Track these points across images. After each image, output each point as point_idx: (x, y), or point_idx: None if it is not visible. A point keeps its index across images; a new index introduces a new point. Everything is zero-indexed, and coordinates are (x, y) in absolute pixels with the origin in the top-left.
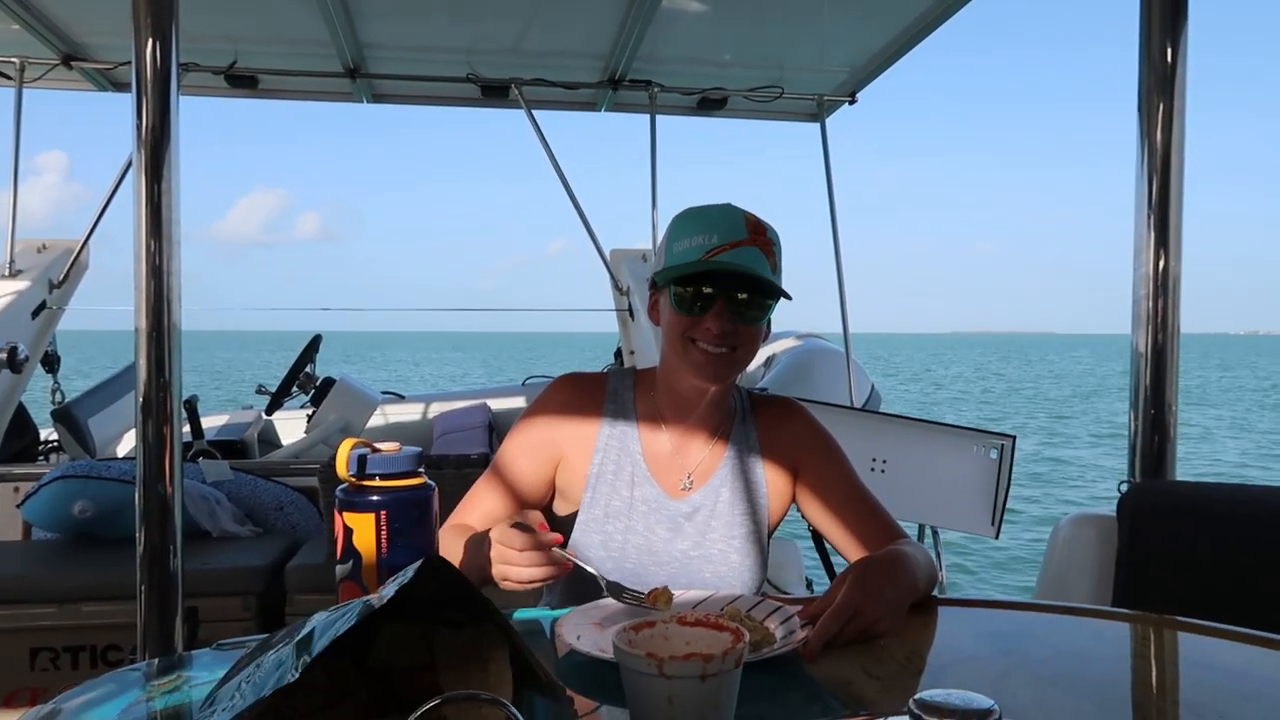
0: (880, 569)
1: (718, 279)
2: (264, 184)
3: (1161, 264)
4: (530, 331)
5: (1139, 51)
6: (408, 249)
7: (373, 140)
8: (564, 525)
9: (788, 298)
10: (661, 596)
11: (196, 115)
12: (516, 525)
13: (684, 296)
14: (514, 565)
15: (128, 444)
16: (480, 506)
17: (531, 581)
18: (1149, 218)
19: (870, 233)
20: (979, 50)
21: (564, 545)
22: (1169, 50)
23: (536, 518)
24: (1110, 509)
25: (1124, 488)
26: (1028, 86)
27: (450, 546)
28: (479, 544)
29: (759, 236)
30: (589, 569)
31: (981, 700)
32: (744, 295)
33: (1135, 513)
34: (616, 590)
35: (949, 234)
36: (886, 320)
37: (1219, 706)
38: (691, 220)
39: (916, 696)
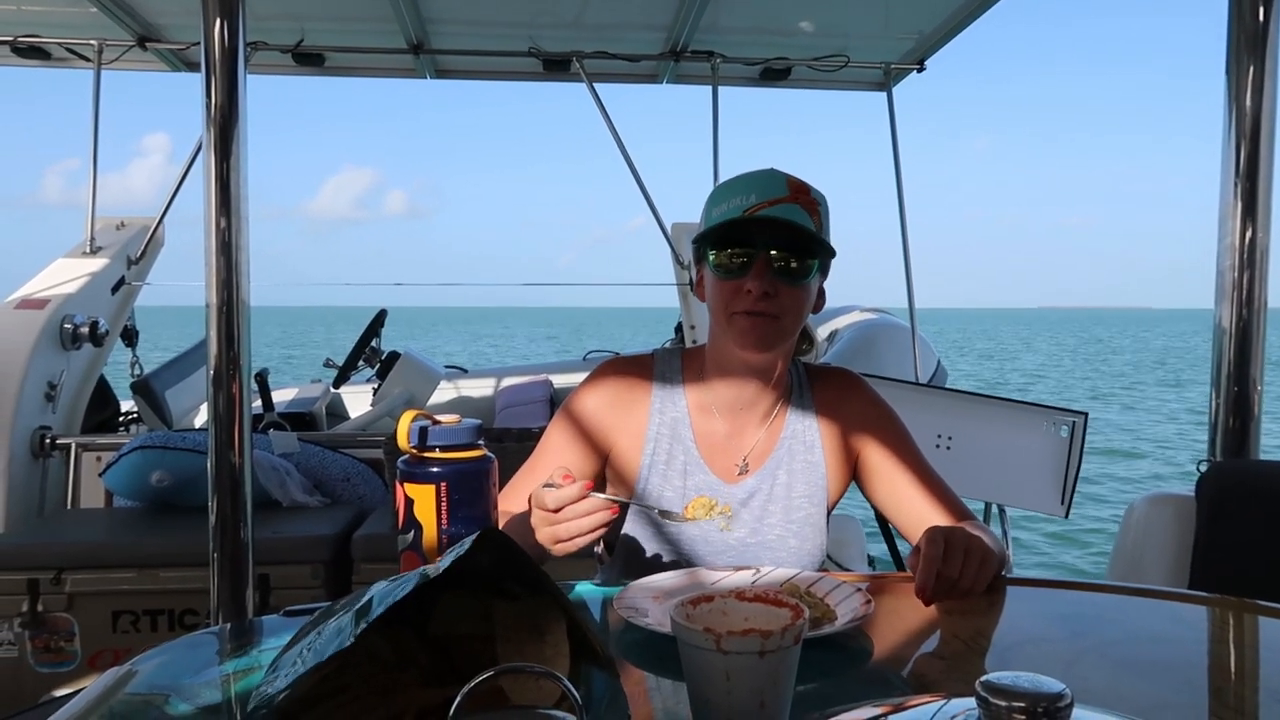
0: (958, 529)
1: (755, 235)
2: (353, 163)
3: (1249, 234)
4: (605, 306)
5: (1228, 10)
6: (491, 225)
7: (458, 117)
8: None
9: (831, 253)
10: (701, 506)
11: (282, 94)
12: (547, 486)
13: (722, 258)
14: (560, 523)
15: (203, 416)
16: (523, 498)
17: (582, 534)
18: (1236, 185)
19: (955, 205)
20: (1060, 14)
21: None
22: (1261, 8)
23: (561, 472)
24: (1188, 489)
25: (1203, 467)
26: (1119, 49)
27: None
28: (525, 523)
29: (802, 195)
30: (634, 503)
31: (1052, 684)
32: (784, 250)
33: (1215, 493)
34: (667, 515)
35: (1037, 205)
36: (969, 295)
37: None
38: (730, 185)
39: (984, 679)
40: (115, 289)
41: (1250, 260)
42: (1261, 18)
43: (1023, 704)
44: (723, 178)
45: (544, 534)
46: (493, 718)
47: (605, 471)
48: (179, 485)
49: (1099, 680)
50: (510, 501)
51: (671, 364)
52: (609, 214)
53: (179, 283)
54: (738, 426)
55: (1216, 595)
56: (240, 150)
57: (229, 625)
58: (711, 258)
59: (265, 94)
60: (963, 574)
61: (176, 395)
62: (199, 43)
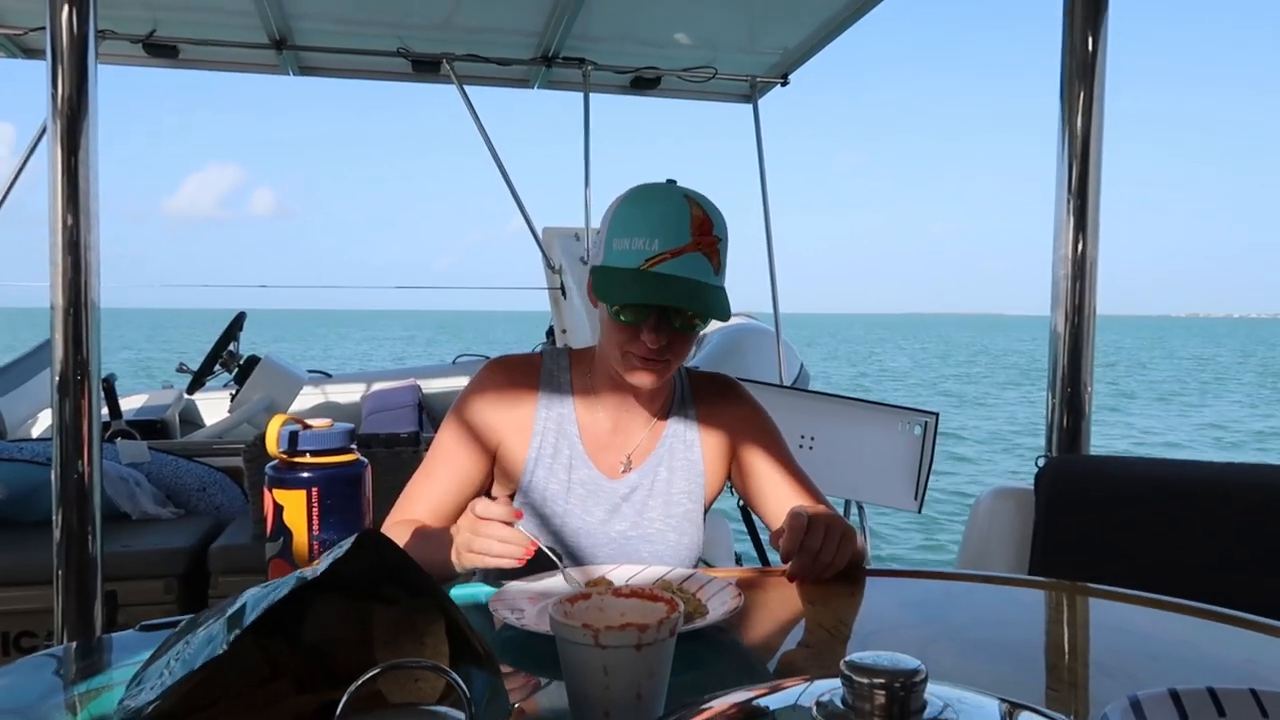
0: (820, 509)
1: (655, 290)
2: (217, 159)
3: (1080, 248)
4: (481, 310)
5: (1062, 39)
6: (366, 226)
7: (332, 114)
8: None
9: (724, 318)
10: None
11: (143, 86)
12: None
13: (619, 304)
14: (477, 536)
15: (43, 424)
16: (424, 500)
17: (489, 554)
18: (1068, 202)
19: (823, 216)
20: (928, 30)
21: None
22: (1090, 39)
23: (504, 502)
24: (1028, 482)
25: (1041, 462)
26: (976, 65)
27: (400, 541)
28: (434, 539)
29: (704, 238)
30: (550, 553)
31: (909, 661)
32: (683, 306)
33: (1051, 486)
34: (573, 578)
35: (905, 216)
36: (834, 302)
37: (1127, 667)
38: (633, 214)
39: (847, 659)
40: None
41: (1081, 271)
42: (1091, 47)
43: (882, 680)
44: (594, 184)
45: (462, 537)
46: (382, 715)
47: (493, 468)
48: (15, 499)
49: (950, 661)
50: (409, 509)
51: (559, 363)
52: (488, 216)
53: (16, 283)
54: (622, 425)
55: (1053, 580)
56: (90, 144)
57: (75, 644)
58: (607, 301)
59: (119, 82)
60: (824, 547)
61: (12, 403)
62: (43, 28)
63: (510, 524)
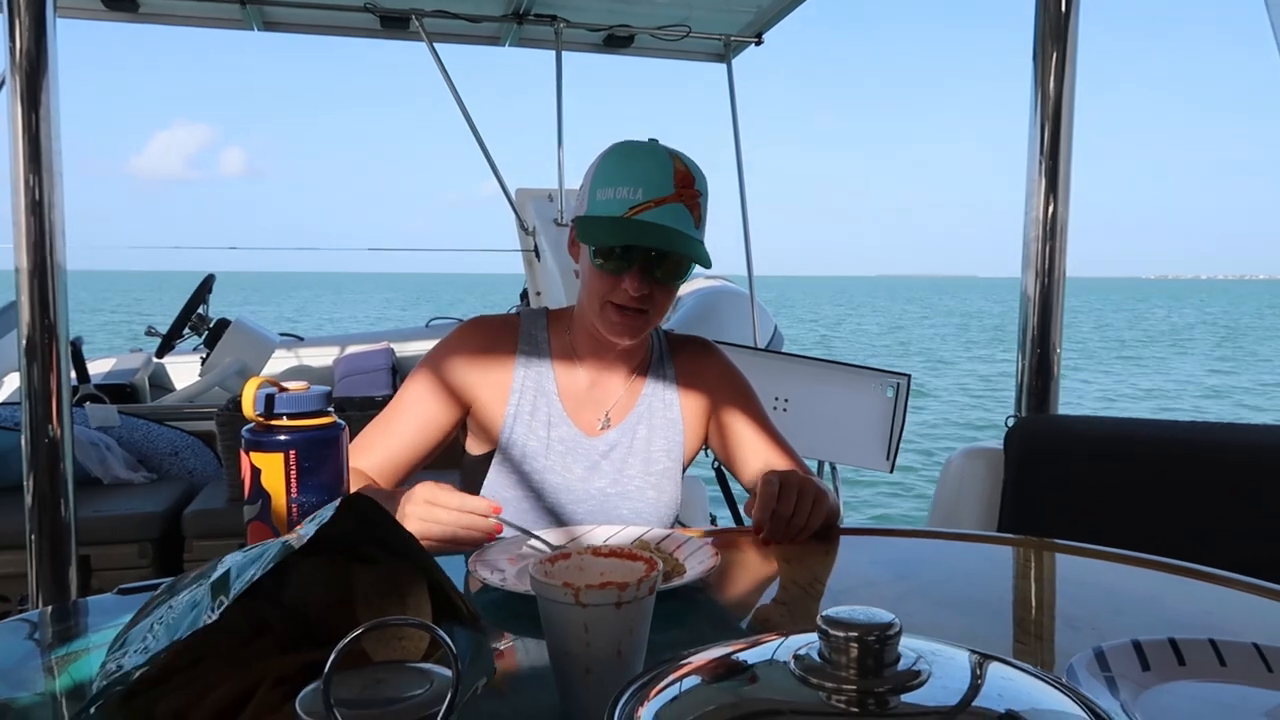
0: (793, 472)
1: (637, 237)
2: (186, 118)
3: (1051, 210)
4: (455, 273)
5: (1035, 1)
6: (337, 187)
7: (304, 73)
8: (479, 466)
9: (706, 265)
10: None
11: (101, 39)
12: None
13: (602, 251)
14: (460, 529)
15: (9, 387)
16: (377, 451)
17: (453, 540)
18: (1040, 164)
19: (803, 177)
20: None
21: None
22: (1063, 1)
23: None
24: (998, 442)
25: (1011, 422)
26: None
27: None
28: (384, 499)
29: (686, 190)
30: (533, 534)
31: (884, 615)
32: (663, 257)
33: (1021, 445)
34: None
35: (880, 180)
36: (809, 264)
37: (1093, 620)
38: (618, 166)
39: (823, 614)
40: None
41: (1052, 233)
42: (1064, 9)
43: (857, 633)
44: (567, 144)
45: (413, 525)
46: (370, 672)
47: (468, 424)
48: None
49: (922, 616)
50: (359, 458)
51: (538, 322)
52: (462, 178)
53: None
54: (601, 382)
55: (1022, 536)
56: (51, 101)
57: (51, 608)
58: (591, 244)
59: (82, 37)
60: (796, 511)
61: None
62: None
63: (485, 515)
